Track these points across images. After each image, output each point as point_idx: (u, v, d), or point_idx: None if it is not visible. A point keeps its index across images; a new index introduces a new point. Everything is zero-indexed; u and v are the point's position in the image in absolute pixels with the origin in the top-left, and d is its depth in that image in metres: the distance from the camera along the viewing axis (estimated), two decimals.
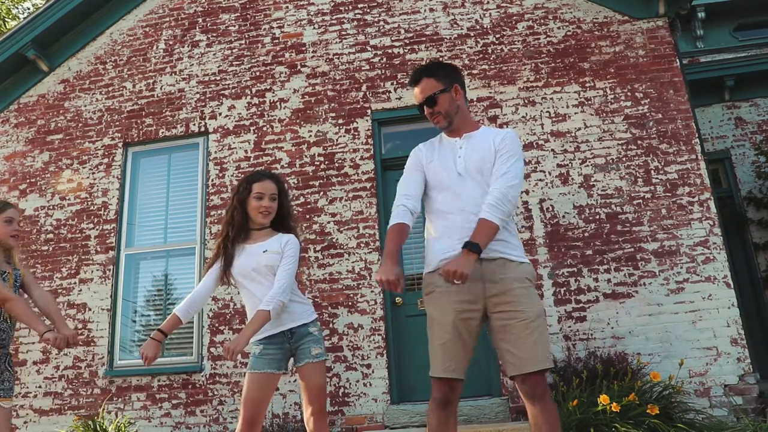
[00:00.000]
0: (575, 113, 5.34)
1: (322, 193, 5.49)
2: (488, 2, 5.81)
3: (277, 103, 5.85)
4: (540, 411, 2.25)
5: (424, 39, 5.79)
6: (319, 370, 2.84)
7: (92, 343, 5.44)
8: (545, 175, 5.20)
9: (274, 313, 2.73)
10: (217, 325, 5.28)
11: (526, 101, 5.44)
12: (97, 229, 5.77)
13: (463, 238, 2.33)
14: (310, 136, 5.68)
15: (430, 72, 2.57)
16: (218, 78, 6.05)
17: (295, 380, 4.97)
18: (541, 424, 2.25)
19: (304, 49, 5.98)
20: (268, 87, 5.92)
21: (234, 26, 6.22)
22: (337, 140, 5.62)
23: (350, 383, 4.94)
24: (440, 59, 5.66)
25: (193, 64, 6.16)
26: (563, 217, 5.08)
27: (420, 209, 2.56)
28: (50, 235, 5.85)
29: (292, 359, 2.92)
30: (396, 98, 5.64)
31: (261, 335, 2.86)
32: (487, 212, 2.31)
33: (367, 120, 5.63)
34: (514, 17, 5.72)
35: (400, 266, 2.36)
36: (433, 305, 2.43)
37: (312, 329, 2.89)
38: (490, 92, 5.51)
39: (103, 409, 5.16)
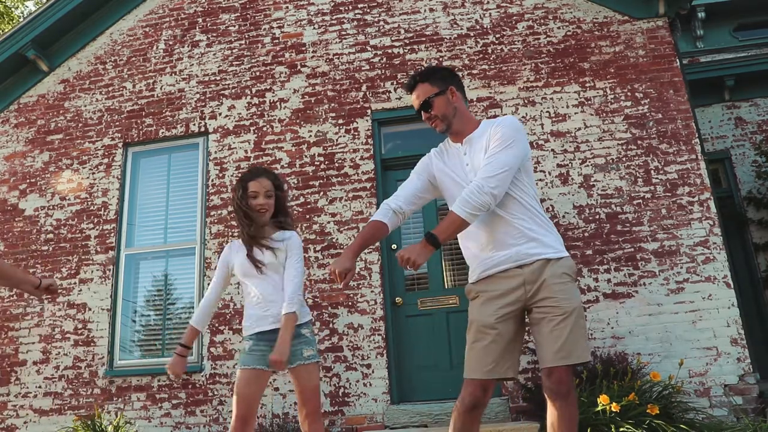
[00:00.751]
0: (575, 113, 5.34)
1: (322, 193, 5.49)
2: (488, 2, 5.81)
3: (277, 103, 5.85)
4: (560, 409, 2.23)
5: (424, 39, 5.79)
6: (311, 372, 2.83)
7: (92, 343, 5.44)
8: (545, 175, 5.20)
9: (298, 310, 2.79)
10: (217, 325, 5.28)
11: (526, 101, 5.44)
12: (97, 229, 5.77)
13: (488, 247, 2.36)
14: (310, 136, 5.68)
15: (424, 77, 2.56)
16: (218, 78, 6.05)
17: None
18: (557, 424, 2.23)
19: (304, 49, 5.98)
20: (268, 87, 5.92)
21: (234, 26, 6.22)
22: (337, 140, 5.63)
23: (350, 383, 4.94)
24: (440, 59, 5.67)
25: (193, 64, 6.16)
26: (563, 217, 5.08)
27: (408, 210, 2.54)
28: (50, 235, 5.85)
29: None
30: (396, 98, 5.64)
31: (252, 330, 2.89)
32: (456, 205, 2.28)
33: (367, 120, 5.63)
34: (514, 17, 5.72)
35: (354, 262, 2.34)
36: (473, 309, 2.43)
37: (304, 331, 2.88)
38: (490, 92, 5.51)
39: (103, 409, 5.16)
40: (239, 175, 5.62)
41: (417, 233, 5.38)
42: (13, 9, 15.83)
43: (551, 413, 2.26)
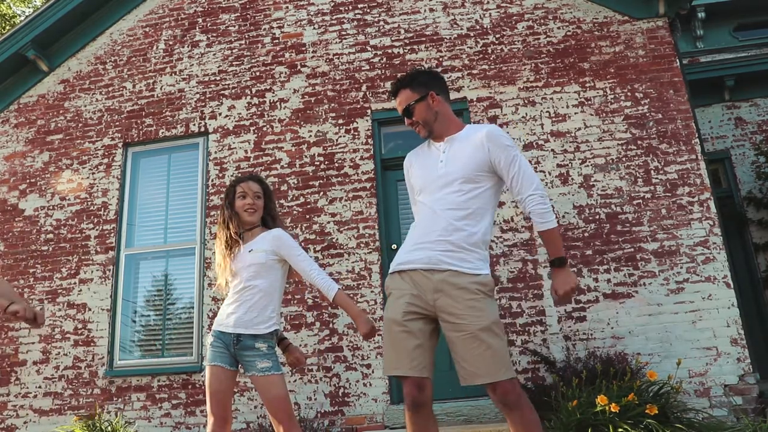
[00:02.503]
0: (575, 113, 5.34)
1: (322, 193, 5.49)
2: (488, 2, 5.81)
3: (277, 103, 5.85)
4: (518, 419, 2.21)
5: (424, 39, 5.79)
6: (271, 383, 2.77)
7: (92, 343, 5.44)
8: (545, 175, 5.20)
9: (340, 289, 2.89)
10: None
11: (526, 101, 5.44)
12: (97, 229, 5.78)
13: (425, 242, 2.36)
14: (310, 136, 5.68)
15: (405, 83, 2.59)
16: (218, 78, 6.05)
17: (295, 380, 4.98)
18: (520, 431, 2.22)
19: (304, 49, 5.98)
20: (268, 87, 5.92)
21: (234, 26, 6.22)
22: (337, 140, 5.63)
23: (350, 383, 4.95)
24: (440, 59, 5.67)
25: (193, 64, 6.16)
26: (563, 217, 5.08)
27: None
28: (50, 235, 5.85)
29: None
30: None
31: (215, 327, 2.93)
32: (542, 224, 2.36)
33: (367, 120, 5.63)
34: (514, 17, 5.72)
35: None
36: (387, 305, 2.44)
37: (259, 344, 2.83)
38: (490, 92, 5.51)
39: (103, 409, 5.16)
40: (239, 175, 5.64)
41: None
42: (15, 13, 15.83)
43: (510, 422, 2.25)
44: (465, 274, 2.30)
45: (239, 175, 5.64)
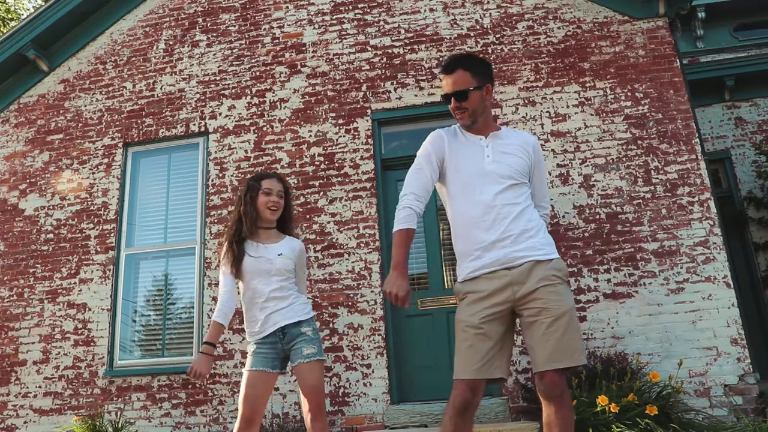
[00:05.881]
0: (575, 113, 5.34)
1: (322, 193, 5.49)
2: (488, 2, 5.81)
3: (277, 103, 5.85)
4: (555, 411, 2.22)
5: (424, 39, 5.79)
6: (312, 370, 2.84)
7: (92, 343, 5.44)
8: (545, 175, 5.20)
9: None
10: None
11: (526, 101, 5.44)
12: (97, 229, 5.78)
13: (480, 247, 2.35)
14: (310, 136, 5.68)
15: (467, 65, 2.46)
16: (218, 78, 6.05)
17: (295, 380, 4.97)
18: (553, 426, 2.22)
19: (304, 49, 5.98)
20: (268, 87, 5.92)
21: (234, 26, 6.22)
22: (337, 140, 5.63)
23: (350, 383, 4.94)
24: (440, 60, 5.67)
25: (193, 64, 6.16)
26: (563, 217, 5.08)
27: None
28: (50, 235, 5.85)
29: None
30: (396, 98, 5.64)
31: (256, 336, 2.93)
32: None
33: (367, 120, 5.63)
34: (514, 17, 5.72)
35: (407, 279, 2.33)
36: (460, 309, 2.40)
37: (305, 329, 2.90)
38: None
39: (103, 409, 5.16)
40: (239, 175, 5.65)
41: (417, 233, 5.37)
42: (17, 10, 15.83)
43: (546, 415, 2.26)
44: (542, 261, 2.32)
45: (239, 175, 5.65)
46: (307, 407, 2.82)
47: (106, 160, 6.00)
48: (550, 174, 5.19)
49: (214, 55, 6.15)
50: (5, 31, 14.81)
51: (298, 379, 2.87)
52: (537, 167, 2.55)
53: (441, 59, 5.67)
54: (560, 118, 5.35)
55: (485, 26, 5.74)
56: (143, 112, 6.09)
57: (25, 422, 5.33)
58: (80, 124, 6.19)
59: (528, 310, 2.28)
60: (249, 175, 5.47)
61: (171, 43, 6.30)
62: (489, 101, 2.52)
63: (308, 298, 5.15)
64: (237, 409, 4.97)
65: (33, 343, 5.55)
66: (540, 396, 2.27)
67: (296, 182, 5.55)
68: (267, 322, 2.89)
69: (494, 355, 2.28)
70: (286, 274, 2.97)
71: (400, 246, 2.37)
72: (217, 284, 5.34)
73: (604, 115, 5.30)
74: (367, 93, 5.72)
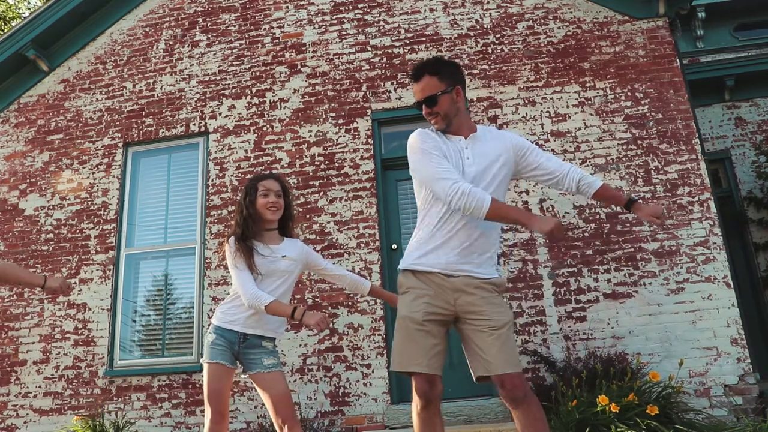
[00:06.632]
0: (575, 113, 5.34)
1: (322, 193, 5.49)
2: (488, 2, 5.81)
3: (277, 103, 5.85)
4: (524, 413, 2.24)
5: (424, 39, 5.79)
6: (277, 379, 2.84)
7: (92, 343, 5.44)
8: None
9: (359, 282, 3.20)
10: None
11: (526, 101, 5.44)
12: (97, 229, 5.78)
13: (463, 247, 2.36)
14: (310, 136, 5.68)
15: (433, 69, 2.46)
16: (218, 78, 6.05)
17: (295, 380, 4.97)
18: (526, 427, 2.23)
19: (304, 49, 5.98)
20: (268, 87, 5.92)
21: (234, 26, 6.22)
22: (337, 140, 5.63)
23: (350, 383, 4.95)
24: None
25: (193, 64, 6.16)
26: (563, 217, 5.08)
27: None
28: (50, 235, 5.85)
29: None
30: (396, 98, 5.64)
31: (221, 324, 2.91)
32: (596, 181, 2.51)
33: (367, 120, 5.63)
34: (514, 17, 5.72)
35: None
36: (403, 303, 2.42)
37: (266, 343, 2.92)
38: (490, 92, 5.51)
39: (104, 409, 5.16)
40: (239, 175, 5.65)
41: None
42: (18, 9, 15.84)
43: (517, 418, 2.27)
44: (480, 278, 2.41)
45: (239, 174, 5.65)
46: (281, 417, 2.79)
47: (106, 160, 6.00)
48: None
49: (214, 55, 6.15)
50: (6, 30, 14.82)
51: (262, 389, 2.85)
52: (530, 154, 2.54)
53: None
54: (560, 118, 5.35)
55: (485, 26, 5.74)
56: (143, 112, 6.09)
57: (25, 422, 5.33)
58: (80, 124, 6.19)
59: (470, 320, 2.33)
60: (249, 175, 5.48)
61: (171, 43, 6.30)
62: (461, 103, 2.51)
63: (306, 298, 5.17)
64: (237, 409, 4.99)
65: (33, 343, 5.55)
66: (506, 402, 2.27)
67: (296, 182, 5.55)
68: (248, 321, 2.89)
69: (436, 353, 2.32)
70: (290, 277, 2.99)
71: (507, 207, 2.34)
72: (216, 284, 5.35)
73: (604, 115, 5.30)
74: (367, 93, 5.72)
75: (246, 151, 5.75)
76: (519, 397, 2.23)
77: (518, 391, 2.22)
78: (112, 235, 5.73)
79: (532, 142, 5.27)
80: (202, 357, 2.96)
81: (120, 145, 6.02)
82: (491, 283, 2.39)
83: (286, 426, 2.78)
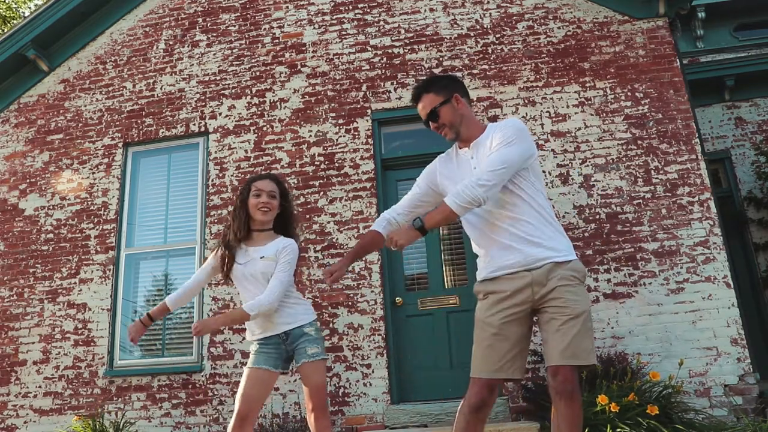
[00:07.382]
0: (575, 113, 5.34)
1: (322, 193, 5.49)
2: (488, 2, 5.81)
3: (277, 103, 5.85)
4: (564, 408, 2.23)
5: (424, 39, 5.79)
6: (315, 370, 2.86)
7: (92, 343, 5.44)
8: (545, 175, 5.20)
9: (257, 316, 2.81)
10: None
11: (526, 101, 5.44)
12: (97, 229, 5.77)
13: (496, 248, 2.39)
14: (310, 136, 5.68)
15: (428, 87, 2.56)
16: (218, 78, 6.05)
17: (295, 380, 4.97)
18: (561, 422, 2.24)
19: (304, 49, 5.98)
20: (268, 87, 5.92)
21: (234, 26, 6.22)
22: (337, 140, 5.63)
23: (350, 383, 4.94)
24: (440, 59, 5.67)
25: (193, 64, 6.16)
26: (563, 217, 5.08)
27: (402, 220, 2.65)
28: (50, 235, 5.85)
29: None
30: (396, 98, 5.64)
31: (258, 336, 2.93)
32: (449, 196, 2.33)
33: (367, 120, 5.63)
34: (514, 17, 5.72)
35: (345, 267, 2.57)
36: (480, 308, 2.44)
37: (307, 329, 2.91)
38: (490, 92, 5.51)
39: (104, 409, 5.16)
40: (239, 175, 5.65)
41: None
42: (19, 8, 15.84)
43: (557, 410, 2.27)
44: (561, 262, 2.35)
45: (239, 174, 5.65)
46: (311, 406, 2.84)
47: (106, 160, 6.00)
48: (550, 174, 5.19)
49: (214, 55, 6.15)
50: (7, 30, 14.82)
51: (302, 378, 2.88)
52: (493, 142, 2.40)
53: (441, 59, 5.68)
54: (560, 118, 5.35)
55: (485, 26, 5.74)
56: (143, 112, 6.09)
57: (25, 422, 5.33)
58: (80, 124, 6.19)
59: (546, 309, 2.33)
60: (249, 175, 5.47)
61: (171, 43, 6.30)
62: (464, 109, 2.54)
63: (306, 298, 5.17)
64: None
65: (33, 343, 5.55)
66: (551, 393, 2.27)
67: (296, 182, 5.55)
68: (268, 326, 2.89)
69: (513, 356, 2.33)
70: (268, 276, 2.89)
71: (359, 242, 2.68)
72: (216, 284, 5.35)
73: (604, 115, 5.30)
74: (367, 93, 5.72)
75: (246, 151, 5.75)
76: (567, 391, 2.23)
77: (568, 384, 2.23)
78: (112, 235, 5.73)
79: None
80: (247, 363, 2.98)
81: (120, 145, 6.02)
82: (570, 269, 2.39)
83: (312, 415, 2.83)
